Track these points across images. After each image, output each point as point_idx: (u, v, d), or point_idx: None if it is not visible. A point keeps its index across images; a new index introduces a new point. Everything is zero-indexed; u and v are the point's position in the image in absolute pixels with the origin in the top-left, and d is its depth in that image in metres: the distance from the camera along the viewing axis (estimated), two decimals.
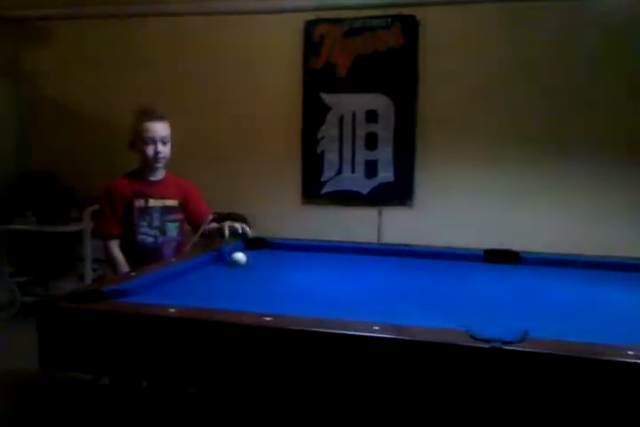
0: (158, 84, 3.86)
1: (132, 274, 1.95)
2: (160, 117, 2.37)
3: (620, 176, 3.23)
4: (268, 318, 1.49)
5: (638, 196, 3.20)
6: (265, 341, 1.48)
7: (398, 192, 3.59)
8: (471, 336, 1.38)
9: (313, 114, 3.70)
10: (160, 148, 2.34)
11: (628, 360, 1.29)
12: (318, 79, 3.68)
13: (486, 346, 1.34)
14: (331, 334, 1.45)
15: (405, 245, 2.71)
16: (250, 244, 2.53)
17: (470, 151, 3.48)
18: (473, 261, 2.39)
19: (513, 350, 1.32)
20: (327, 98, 3.68)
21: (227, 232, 2.32)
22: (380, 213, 3.61)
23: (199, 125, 3.82)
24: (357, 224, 3.60)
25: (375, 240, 3.52)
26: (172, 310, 1.55)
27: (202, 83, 3.84)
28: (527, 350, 1.32)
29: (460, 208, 3.48)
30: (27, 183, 4.04)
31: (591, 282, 2.10)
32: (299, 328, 1.46)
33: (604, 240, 3.14)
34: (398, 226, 3.55)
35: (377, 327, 1.43)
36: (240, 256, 2.19)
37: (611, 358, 1.31)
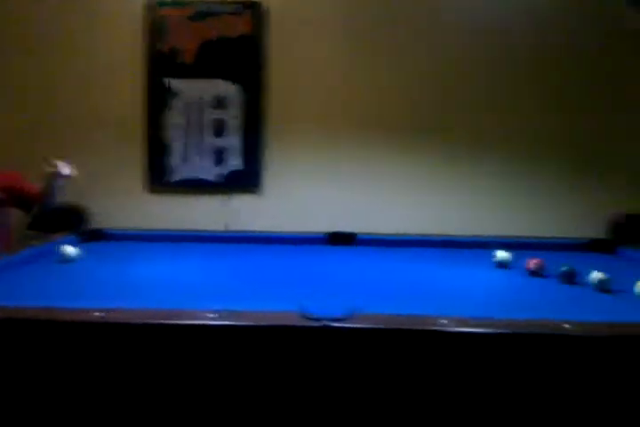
0: None
1: None
2: None
3: (461, 161, 3.49)
4: (98, 314, 1.43)
5: (476, 179, 3.49)
6: (98, 338, 1.42)
7: (247, 179, 3.60)
8: (304, 316, 1.44)
9: (158, 100, 3.57)
10: None
11: (443, 329, 1.42)
12: (163, 64, 3.55)
13: (317, 324, 1.40)
14: (166, 325, 1.42)
15: (252, 231, 2.74)
16: (86, 236, 2.40)
17: (316, 138, 3.57)
18: (316, 244, 2.49)
19: (341, 326, 1.40)
20: (173, 83, 3.56)
21: (58, 167, 2.19)
22: (229, 201, 3.60)
23: (33, 115, 3.51)
24: (206, 212, 3.56)
25: (225, 228, 3.50)
26: None
27: (35, 69, 3.52)
28: (353, 325, 1.41)
29: (307, 194, 3.57)
30: None
31: (420, 259, 2.29)
32: (132, 322, 1.42)
33: (442, 221, 3.40)
34: (248, 213, 3.56)
35: (213, 315, 1.43)
36: (69, 250, 2.07)
37: (428, 327, 1.43)
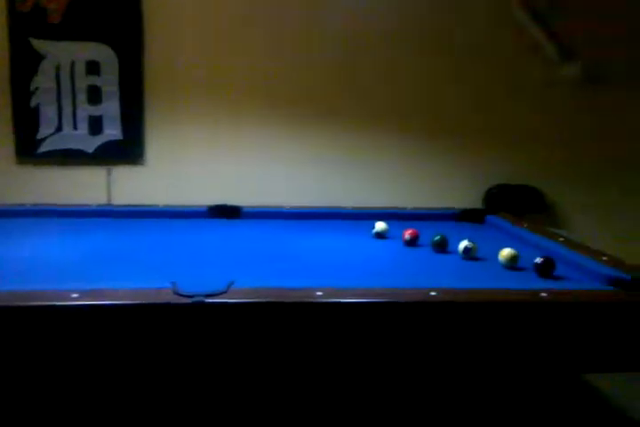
0: None
1: None
2: None
3: (342, 134, 3.49)
4: None
5: (357, 152, 3.53)
6: None
7: (128, 150, 3.40)
8: (175, 293, 1.39)
9: (23, 63, 3.26)
10: None
11: (318, 300, 1.43)
12: (27, 24, 3.23)
13: (189, 301, 1.37)
14: (25, 307, 1.33)
15: (132, 205, 2.61)
16: None
17: (204, 107, 3.43)
18: (198, 217, 2.43)
19: (214, 301, 1.37)
20: (39, 45, 3.27)
21: None
22: (109, 173, 3.40)
23: None
24: (85, 185, 3.34)
25: (105, 202, 3.32)
26: None
27: None
28: (227, 300, 1.39)
29: (192, 166, 3.44)
30: None
31: (302, 231, 2.30)
32: None
33: (325, 193, 3.42)
34: (130, 186, 3.39)
35: (76, 295, 1.35)
36: None
37: (303, 299, 1.44)
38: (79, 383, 1.43)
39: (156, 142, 3.42)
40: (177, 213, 2.49)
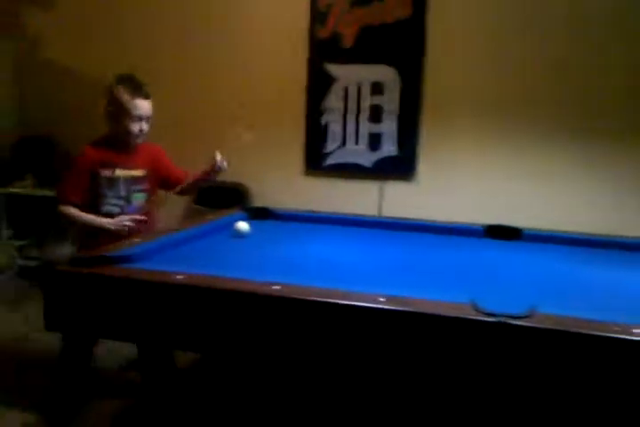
0: (158, 50, 3.78)
1: (136, 240, 1.95)
2: (148, 95, 2.32)
3: (628, 155, 3.19)
4: (276, 287, 1.50)
5: None
6: (273, 309, 1.50)
7: (401, 166, 3.56)
8: (477, 310, 1.39)
9: (318, 85, 3.65)
10: (144, 125, 2.30)
11: (634, 338, 1.30)
12: (324, 49, 3.62)
13: (492, 320, 1.35)
14: (337, 304, 1.46)
15: (408, 218, 2.70)
16: (254, 214, 2.53)
17: (476, 126, 3.44)
18: (475, 236, 2.40)
19: (520, 324, 1.34)
20: (332, 69, 3.62)
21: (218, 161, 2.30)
22: (381, 187, 3.60)
23: (201, 96, 3.76)
24: (359, 197, 3.59)
25: (376, 214, 3.51)
26: (180, 277, 1.56)
27: (202, 52, 3.76)
28: (533, 325, 1.33)
29: (462, 184, 3.45)
30: (26, 147, 4.01)
31: (593, 260, 2.11)
32: (307, 298, 1.47)
33: (608, 220, 3.13)
34: (400, 200, 3.54)
35: (383, 299, 1.44)
36: (243, 225, 2.20)
37: (617, 335, 1.32)
38: (370, 379, 1.51)
39: (427, 159, 3.52)
40: (451, 229, 2.50)
